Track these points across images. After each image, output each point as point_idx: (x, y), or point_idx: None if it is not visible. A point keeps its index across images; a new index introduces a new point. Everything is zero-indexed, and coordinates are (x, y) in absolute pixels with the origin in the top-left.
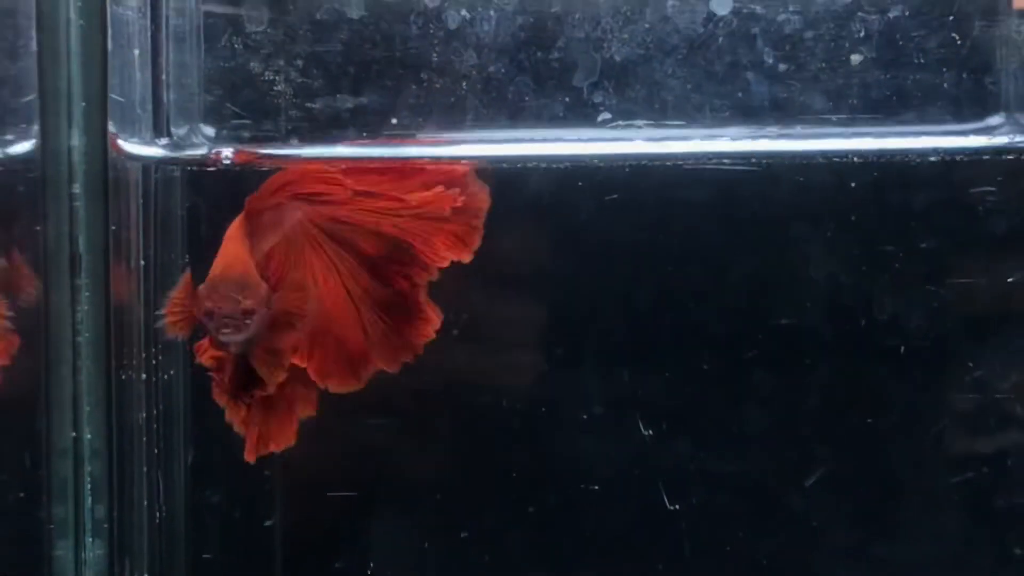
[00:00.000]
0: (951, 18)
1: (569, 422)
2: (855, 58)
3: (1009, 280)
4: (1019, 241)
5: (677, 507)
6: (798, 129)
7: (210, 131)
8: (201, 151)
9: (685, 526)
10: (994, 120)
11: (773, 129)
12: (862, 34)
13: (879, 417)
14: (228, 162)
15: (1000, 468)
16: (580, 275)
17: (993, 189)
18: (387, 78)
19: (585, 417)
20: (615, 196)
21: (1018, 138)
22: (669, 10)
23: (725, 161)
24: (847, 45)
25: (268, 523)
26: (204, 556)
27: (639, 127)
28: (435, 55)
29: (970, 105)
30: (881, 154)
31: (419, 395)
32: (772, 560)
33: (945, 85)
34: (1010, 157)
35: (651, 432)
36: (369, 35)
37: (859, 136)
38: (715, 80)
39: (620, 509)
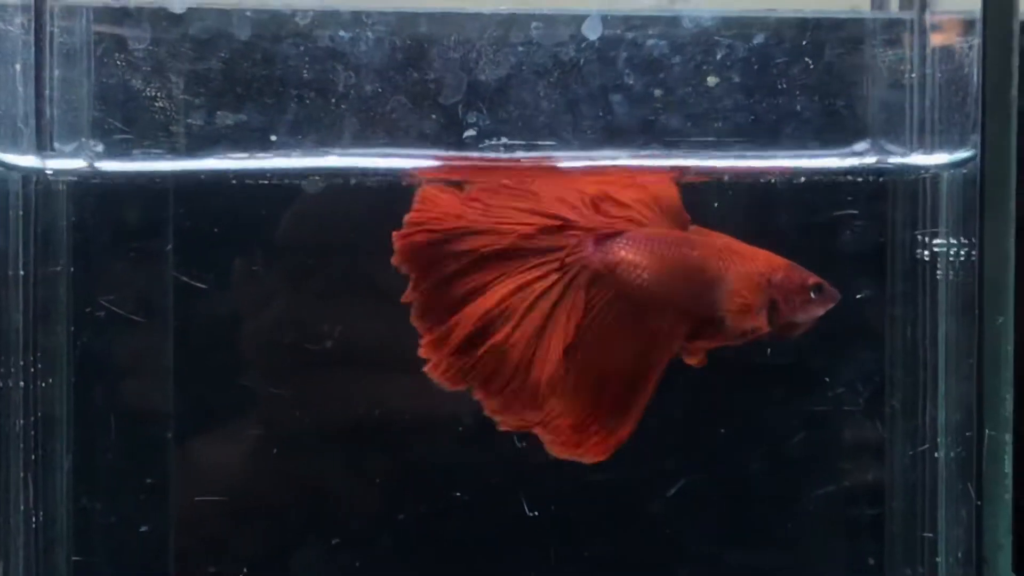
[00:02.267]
0: (815, 45)
1: (432, 431)
2: (711, 80)
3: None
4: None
5: (536, 513)
6: (666, 151)
7: (99, 147)
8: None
9: (550, 534)
10: (859, 146)
11: (640, 151)
12: (729, 60)
13: (739, 429)
14: None
15: (852, 479)
16: None
17: (856, 212)
18: (267, 96)
19: (449, 427)
20: None
21: (882, 163)
22: (539, 35)
23: None
24: (713, 70)
25: (144, 528)
26: (75, 559)
27: (506, 146)
28: (314, 74)
29: (836, 131)
30: (746, 176)
31: (288, 403)
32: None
33: (811, 111)
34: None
35: (524, 444)
36: (250, 54)
37: (725, 159)
38: (584, 102)
39: (485, 517)
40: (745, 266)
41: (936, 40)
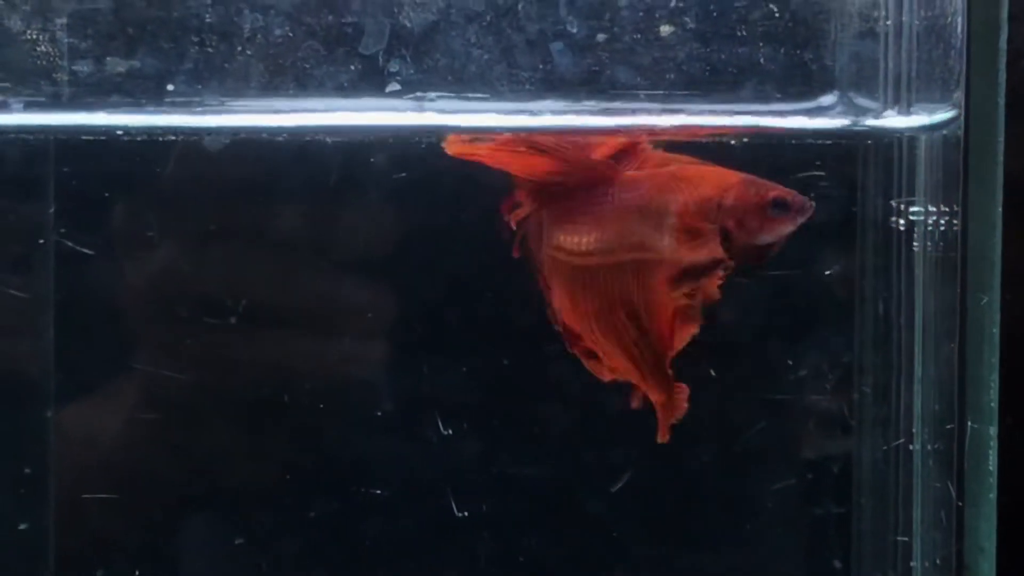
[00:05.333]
0: None
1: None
2: (665, 29)
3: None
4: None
5: (466, 513)
6: (616, 104)
7: None
8: None
9: (481, 534)
10: (826, 99)
11: (588, 103)
12: (684, 4)
13: (691, 418)
14: None
15: (816, 474)
16: (365, 258)
17: (823, 175)
18: (163, 40)
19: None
20: (403, 175)
21: (852, 119)
22: None
23: None
24: (666, 16)
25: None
26: None
27: (432, 99)
28: (216, 16)
29: (801, 84)
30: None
31: (181, 382)
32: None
33: (774, 62)
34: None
35: (450, 432)
36: None
37: (679, 113)
38: (521, 51)
39: (405, 516)
40: (690, 194)
41: None
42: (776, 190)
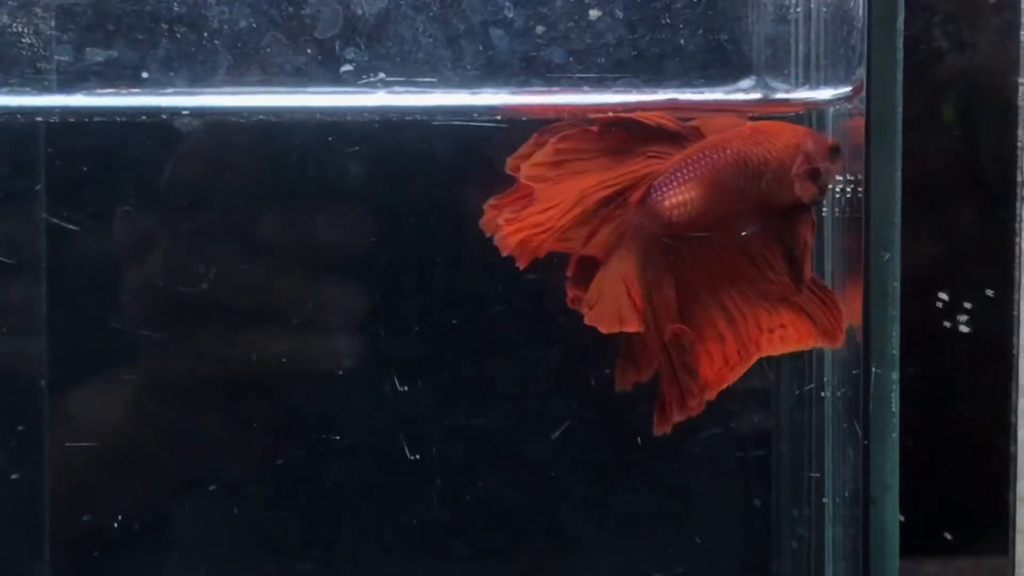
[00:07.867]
0: None
1: (315, 378)
2: (594, 13)
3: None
4: None
5: (418, 456)
6: (553, 87)
7: None
8: None
9: (432, 477)
10: (745, 83)
11: (522, 88)
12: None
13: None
14: None
15: (738, 420)
16: (328, 231)
17: None
18: (138, 31)
19: (332, 373)
20: (356, 148)
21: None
22: None
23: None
24: (595, 4)
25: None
26: None
27: (384, 81)
28: (186, 8)
29: (720, 66)
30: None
31: (164, 349)
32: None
33: (695, 45)
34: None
35: (406, 388)
36: None
37: (608, 94)
38: (464, 37)
39: (365, 461)
40: (776, 144)
41: None
42: (829, 137)
